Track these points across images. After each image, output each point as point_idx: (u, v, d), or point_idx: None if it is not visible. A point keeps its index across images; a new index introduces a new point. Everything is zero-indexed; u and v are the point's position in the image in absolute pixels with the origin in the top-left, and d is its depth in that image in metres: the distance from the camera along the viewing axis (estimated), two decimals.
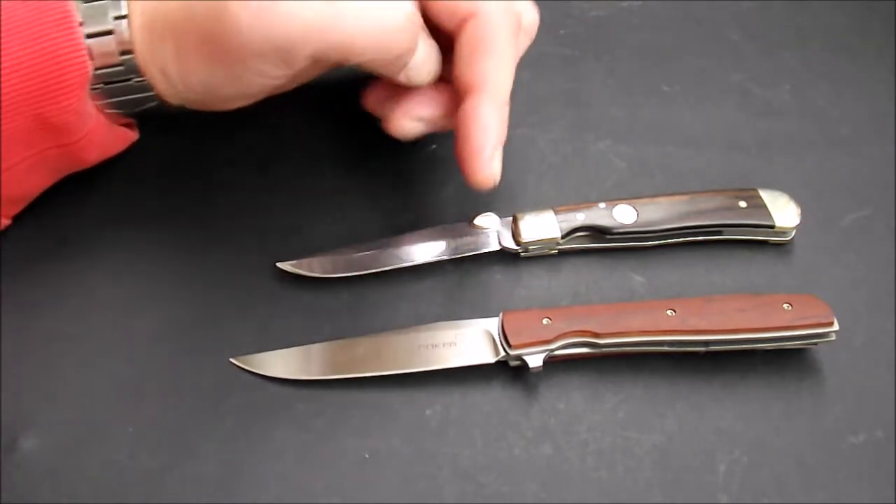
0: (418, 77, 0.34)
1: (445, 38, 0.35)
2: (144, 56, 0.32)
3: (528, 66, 0.44)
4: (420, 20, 0.33)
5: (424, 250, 0.36)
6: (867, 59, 0.45)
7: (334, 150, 0.41)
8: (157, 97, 0.33)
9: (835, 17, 0.47)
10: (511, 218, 0.37)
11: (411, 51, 0.33)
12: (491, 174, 0.34)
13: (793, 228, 0.37)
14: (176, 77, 0.32)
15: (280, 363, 0.34)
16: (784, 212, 0.37)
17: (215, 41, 0.30)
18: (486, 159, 0.33)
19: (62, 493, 0.31)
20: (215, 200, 0.39)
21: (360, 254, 0.36)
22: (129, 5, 0.31)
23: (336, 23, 0.30)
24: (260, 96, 0.33)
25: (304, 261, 0.36)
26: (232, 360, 0.34)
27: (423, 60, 0.34)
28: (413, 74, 0.34)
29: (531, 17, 0.37)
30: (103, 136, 0.34)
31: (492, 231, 0.37)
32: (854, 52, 0.45)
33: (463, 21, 0.34)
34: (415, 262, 0.36)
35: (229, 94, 0.33)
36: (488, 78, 0.33)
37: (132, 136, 0.37)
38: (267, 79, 0.32)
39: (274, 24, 0.29)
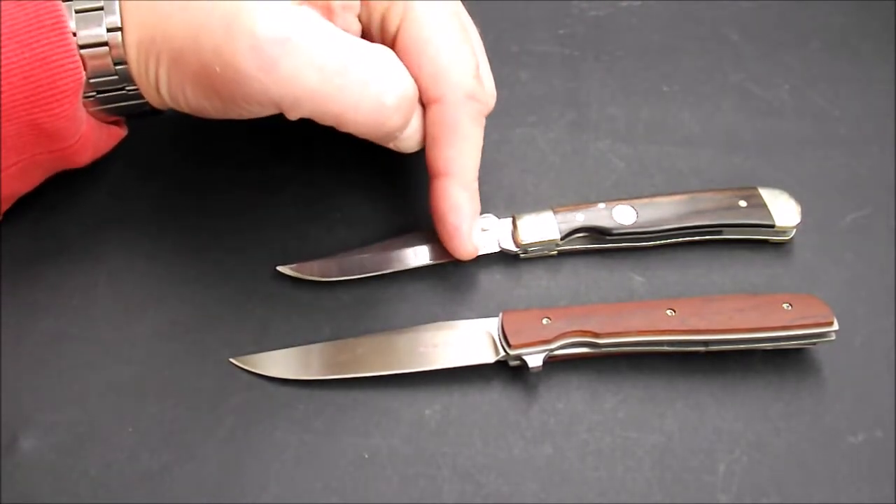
0: (407, 146, 0.35)
1: None
2: (137, 70, 0.32)
3: (528, 66, 0.45)
4: (417, 97, 0.33)
5: (424, 252, 0.36)
6: (867, 59, 0.45)
7: (334, 150, 0.41)
8: (147, 104, 0.33)
9: (835, 17, 0.47)
10: (510, 219, 0.37)
11: (403, 128, 0.33)
12: (473, 248, 0.35)
13: (793, 228, 0.37)
14: (165, 94, 0.32)
15: (280, 363, 0.34)
16: (784, 211, 0.37)
17: (215, 79, 0.30)
18: (464, 237, 0.35)
19: (62, 493, 0.31)
20: (215, 202, 0.39)
21: (361, 257, 0.36)
22: (124, 15, 0.31)
23: (336, 95, 0.31)
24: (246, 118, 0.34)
25: (305, 264, 0.36)
26: (232, 360, 0.34)
27: (415, 131, 0.34)
28: (402, 144, 0.35)
29: (492, 98, 0.37)
30: (95, 138, 0.34)
31: (491, 232, 0.37)
32: (854, 52, 0.45)
33: (429, 102, 0.34)
34: (414, 265, 0.36)
35: (215, 118, 0.33)
36: (454, 162, 0.34)
37: (122, 133, 0.37)
38: (255, 115, 0.32)
39: (276, 81, 0.30)
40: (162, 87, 0.32)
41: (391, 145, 0.35)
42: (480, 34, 0.38)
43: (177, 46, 0.30)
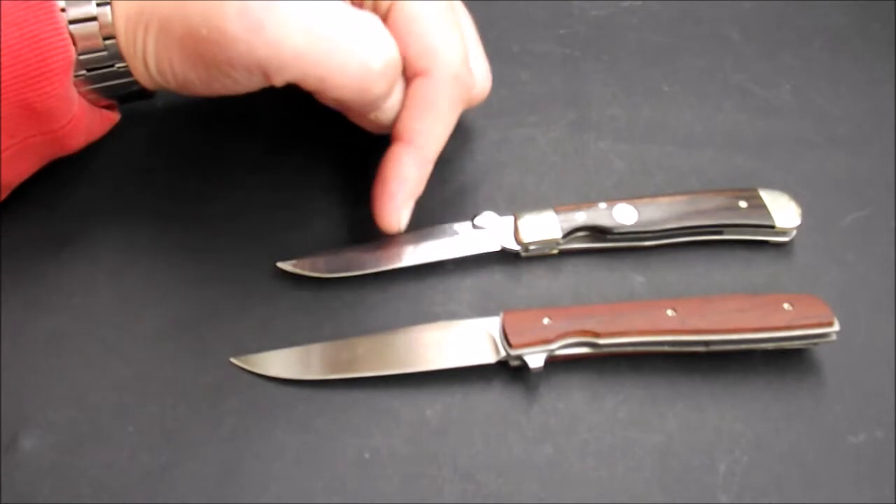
0: (385, 119, 0.35)
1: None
2: (125, 43, 0.32)
3: (529, 65, 0.44)
4: (401, 67, 0.33)
5: (424, 250, 0.36)
6: (867, 59, 0.45)
7: (334, 149, 0.41)
8: (137, 83, 0.33)
9: (835, 17, 0.47)
10: (511, 218, 0.37)
11: (387, 96, 0.33)
12: (397, 221, 0.35)
13: (793, 228, 0.37)
14: (153, 67, 0.32)
15: (280, 363, 0.34)
16: (784, 212, 0.37)
17: (201, 43, 0.30)
18: (396, 207, 0.34)
19: (62, 493, 0.31)
20: (216, 200, 0.39)
21: (360, 253, 0.36)
22: None
23: (322, 57, 0.31)
24: (231, 94, 0.34)
25: (304, 260, 0.36)
26: (232, 360, 0.34)
27: (397, 102, 0.34)
28: (382, 116, 0.35)
29: (484, 87, 0.37)
30: (87, 120, 0.34)
31: (492, 231, 0.37)
32: (854, 52, 0.45)
33: (414, 75, 0.34)
34: (415, 263, 0.36)
35: (201, 92, 0.33)
36: (420, 135, 0.34)
37: (114, 117, 0.36)
38: (241, 86, 0.32)
39: (263, 42, 0.30)
40: (150, 58, 0.32)
41: (372, 117, 0.35)
42: (481, 34, 0.38)
43: (165, 14, 0.30)
